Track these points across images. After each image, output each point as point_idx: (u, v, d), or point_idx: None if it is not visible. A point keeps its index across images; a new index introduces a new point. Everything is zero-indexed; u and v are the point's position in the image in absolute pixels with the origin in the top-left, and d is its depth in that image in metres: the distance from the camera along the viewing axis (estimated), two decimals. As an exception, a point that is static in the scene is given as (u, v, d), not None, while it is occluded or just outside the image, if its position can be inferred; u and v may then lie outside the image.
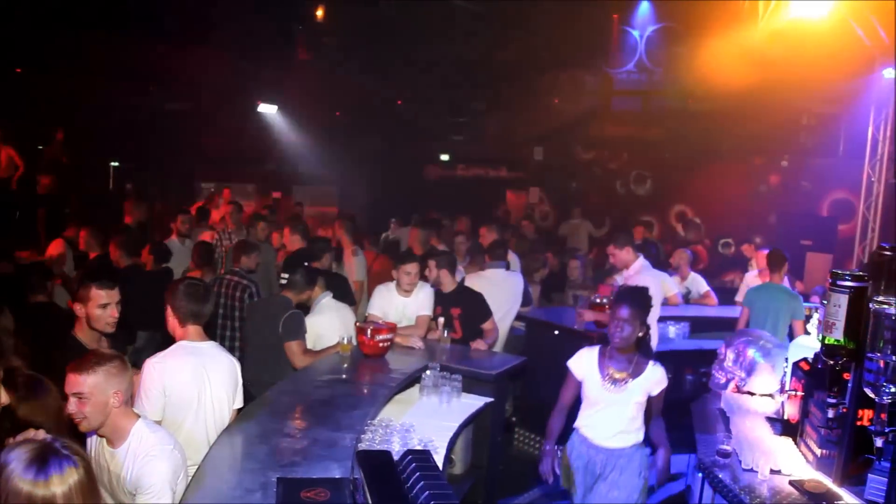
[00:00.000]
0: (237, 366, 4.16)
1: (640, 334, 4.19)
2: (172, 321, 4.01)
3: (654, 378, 4.25)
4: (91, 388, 3.07)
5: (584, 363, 4.35)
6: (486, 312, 6.27)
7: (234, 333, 6.45)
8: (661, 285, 7.01)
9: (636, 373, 4.23)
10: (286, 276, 5.74)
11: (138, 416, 3.27)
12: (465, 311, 6.20)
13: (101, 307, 4.07)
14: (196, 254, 7.72)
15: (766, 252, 10.46)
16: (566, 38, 13.75)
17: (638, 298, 4.22)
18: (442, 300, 6.29)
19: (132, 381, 3.30)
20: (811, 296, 8.49)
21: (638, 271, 6.69)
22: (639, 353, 4.27)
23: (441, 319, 5.99)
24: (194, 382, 3.86)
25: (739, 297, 9.01)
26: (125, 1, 12.12)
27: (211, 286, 6.49)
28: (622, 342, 4.18)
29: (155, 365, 3.78)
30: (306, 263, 5.99)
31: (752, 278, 9.09)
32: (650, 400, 4.27)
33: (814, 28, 8.04)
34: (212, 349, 4.05)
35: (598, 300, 6.96)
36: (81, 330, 4.12)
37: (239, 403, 4.11)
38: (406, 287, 6.11)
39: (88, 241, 7.84)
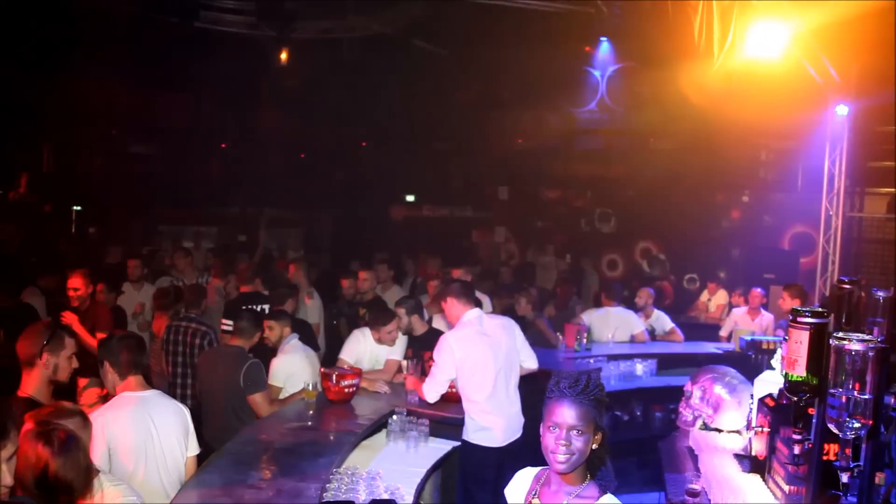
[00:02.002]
0: (186, 412, 4.06)
1: (595, 446, 2.56)
2: (112, 377, 3.91)
3: None
4: None
5: (515, 492, 2.82)
6: None
7: (193, 381, 6.29)
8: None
9: None
10: (230, 323, 5.66)
11: (98, 472, 3.17)
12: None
13: (69, 357, 3.97)
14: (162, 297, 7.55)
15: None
16: (528, 78, 13.93)
17: (593, 388, 2.55)
18: (413, 343, 6.23)
19: (90, 439, 3.18)
20: (776, 329, 8.59)
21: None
22: (593, 480, 2.59)
23: (406, 362, 5.93)
24: (140, 432, 3.77)
25: (724, 333, 9.10)
26: (87, 45, 12.06)
27: (168, 333, 6.43)
28: (568, 465, 2.51)
29: (97, 418, 3.66)
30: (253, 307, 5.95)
31: (739, 314, 9.19)
32: None
33: (768, 67, 8.22)
34: (156, 397, 3.97)
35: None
36: (33, 386, 3.90)
37: (194, 450, 4.02)
38: (389, 344, 6.08)
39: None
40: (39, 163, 13.27)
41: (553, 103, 15.10)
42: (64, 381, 3.98)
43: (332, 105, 14.87)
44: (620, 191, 16.29)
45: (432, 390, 5.23)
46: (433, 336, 6.23)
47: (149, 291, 8.45)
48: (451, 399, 5.38)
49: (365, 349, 6.12)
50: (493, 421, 5.12)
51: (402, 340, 6.22)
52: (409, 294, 8.95)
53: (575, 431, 2.47)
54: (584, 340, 8.00)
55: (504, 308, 8.56)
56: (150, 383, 4.09)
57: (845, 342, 2.83)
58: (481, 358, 5.16)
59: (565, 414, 2.49)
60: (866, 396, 2.82)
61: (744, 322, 8.99)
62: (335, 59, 13.80)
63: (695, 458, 4.59)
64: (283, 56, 12.83)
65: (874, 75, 9.81)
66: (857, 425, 2.83)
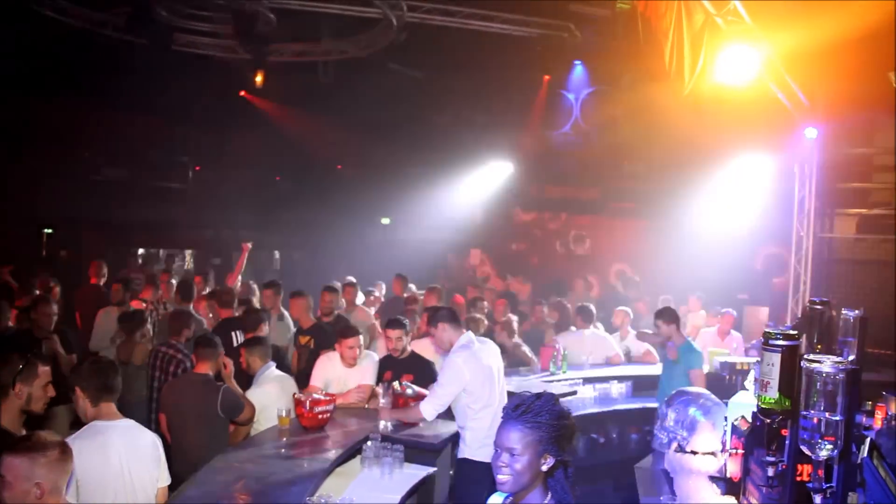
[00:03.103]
0: (158, 442, 4.00)
1: (544, 468, 2.56)
2: (83, 403, 3.84)
3: None
4: (13, 473, 2.90)
5: None
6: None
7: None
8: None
9: None
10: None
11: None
12: (417, 377, 6.07)
13: (44, 386, 3.89)
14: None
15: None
16: (503, 101, 14.02)
17: (536, 412, 2.55)
18: (394, 366, 6.21)
19: (69, 471, 3.08)
20: (749, 350, 8.64)
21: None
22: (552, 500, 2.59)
23: (380, 388, 5.87)
24: (109, 463, 3.70)
25: None
26: (60, 67, 12.00)
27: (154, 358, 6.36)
28: (508, 485, 2.59)
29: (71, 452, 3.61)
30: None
31: (708, 336, 9.23)
32: None
33: (738, 90, 8.34)
34: (127, 426, 3.90)
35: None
36: (5, 415, 3.81)
37: (165, 481, 3.96)
38: (350, 361, 6.05)
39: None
40: (8, 186, 13.10)
41: (528, 126, 15.20)
42: (39, 411, 3.91)
43: (306, 128, 14.87)
44: (595, 213, 16.38)
45: (434, 409, 5.37)
46: (415, 360, 6.23)
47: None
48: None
49: (333, 373, 6.09)
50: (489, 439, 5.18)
51: (371, 365, 6.19)
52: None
53: (511, 453, 2.54)
54: (560, 363, 8.00)
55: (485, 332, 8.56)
56: (121, 411, 4.01)
57: (816, 364, 2.85)
58: (486, 377, 5.38)
59: (503, 436, 2.58)
60: (837, 418, 2.84)
61: (714, 343, 9.04)
62: (310, 83, 13.82)
63: (670, 481, 4.59)
64: (259, 79, 12.83)
65: (842, 99, 9.98)
66: (829, 446, 2.85)
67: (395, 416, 5.56)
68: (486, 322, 8.32)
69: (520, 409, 2.55)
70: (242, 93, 14.65)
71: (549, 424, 2.53)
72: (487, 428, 5.24)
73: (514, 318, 8.87)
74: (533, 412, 2.53)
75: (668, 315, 7.11)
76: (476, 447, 5.29)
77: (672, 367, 7.00)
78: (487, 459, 5.05)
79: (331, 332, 7.09)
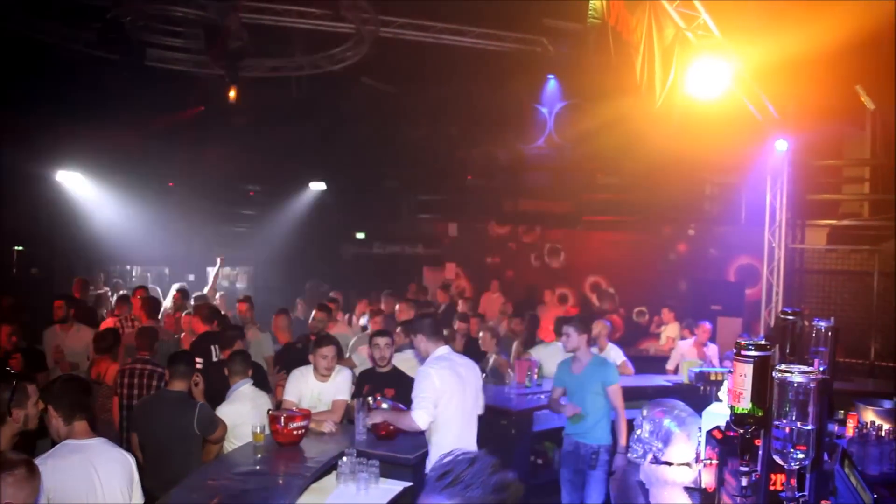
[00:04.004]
0: (131, 460, 3.95)
1: None
2: (56, 422, 3.78)
3: None
4: None
5: None
6: None
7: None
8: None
9: None
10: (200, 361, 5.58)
11: None
12: (398, 392, 6.00)
13: (35, 403, 3.83)
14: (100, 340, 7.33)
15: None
16: (476, 115, 14.09)
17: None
18: (374, 380, 6.19)
19: (37, 489, 3.04)
20: (723, 360, 8.71)
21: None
22: None
23: (356, 402, 5.83)
24: (81, 482, 3.64)
25: (671, 366, 9.19)
26: (32, 81, 11.88)
27: (122, 377, 6.28)
28: None
29: (38, 466, 3.55)
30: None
31: (686, 347, 9.29)
32: None
33: (709, 103, 8.44)
34: (100, 445, 3.84)
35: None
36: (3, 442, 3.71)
37: (138, 500, 3.90)
38: (324, 371, 6.00)
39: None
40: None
41: (502, 140, 15.27)
42: (34, 428, 3.85)
43: (279, 143, 14.83)
44: (569, 226, 16.47)
45: (425, 415, 5.14)
46: (395, 374, 6.22)
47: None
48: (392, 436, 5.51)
49: (306, 387, 6.04)
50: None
51: (345, 380, 6.16)
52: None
53: None
54: (535, 376, 8.00)
55: (466, 342, 8.57)
56: (94, 429, 3.96)
57: (787, 375, 2.87)
58: (456, 392, 5.23)
59: None
60: (809, 427, 2.86)
61: (690, 354, 9.11)
62: (284, 97, 13.79)
63: (646, 492, 4.59)
64: (232, 94, 12.78)
65: (811, 111, 10.15)
66: (800, 456, 2.87)
67: (386, 418, 5.47)
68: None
69: (446, 478, 1.93)
70: (214, 110, 14.60)
71: (480, 503, 1.91)
72: (450, 445, 5.16)
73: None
74: (462, 484, 1.93)
75: (581, 324, 6.29)
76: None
77: (576, 382, 6.24)
78: None
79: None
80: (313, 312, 8.38)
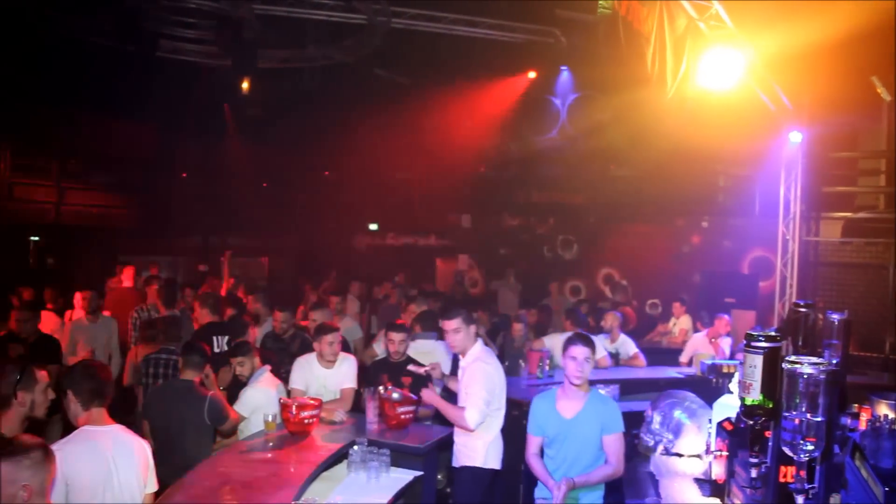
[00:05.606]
0: (147, 448, 4.00)
1: None
2: (74, 407, 3.82)
3: None
4: None
5: None
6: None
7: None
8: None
9: None
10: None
11: None
12: (413, 382, 6.03)
13: (44, 391, 3.87)
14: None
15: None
16: (489, 106, 14.06)
17: None
18: (390, 369, 6.20)
19: (53, 473, 3.11)
20: (735, 353, 8.68)
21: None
22: None
23: (366, 392, 5.85)
24: (98, 469, 3.68)
25: (684, 358, 9.17)
26: (47, 74, 11.95)
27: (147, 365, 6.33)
28: None
29: (56, 452, 3.59)
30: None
31: (699, 340, 9.27)
32: None
33: (722, 95, 8.37)
34: (117, 432, 3.88)
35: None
36: (7, 424, 3.74)
37: (152, 487, 3.94)
38: (329, 358, 6.03)
39: None
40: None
41: (515, 131, 15.24)
42: (41, 417, 3.89)
43: (293, 134, 14.86)
44: (582, 218, 16.44)
45: (479, 416, 5.11)
46: (410, 363, 6.19)
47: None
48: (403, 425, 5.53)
49: (312, 375, 6.06)
50: (501, 445, 5.31)
51: (351, 368, 6.18)
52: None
53: None
54: (547, 367, 8.00)
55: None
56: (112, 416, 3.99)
57: (797, 366, 2.86)
58: (503, 386, 5.33)
59: None
60: (819, 419, 2.85)
61: (704, 347, 9.08)
62: (296, 89, 13.81)
63: (656, 484, 4.59)
64: (245, 85, 12.82)
65: (826, 103, 10.04)
66: (810, 447, 2.86)
67: (438, 405, 5.40)
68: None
69: None
70: (227, 101, 14.64)
71: None
72: (498, 439, 5.28)
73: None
74: None
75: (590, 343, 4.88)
76: (493, 456, 5.28)
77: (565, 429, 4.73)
78: (497, 466, 5.11)
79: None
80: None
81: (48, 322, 8.23)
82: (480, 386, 5.13)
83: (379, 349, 7.82)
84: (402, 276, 13.67)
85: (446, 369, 6.92)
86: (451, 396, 5.68)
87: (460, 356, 5.44)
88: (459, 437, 5.34)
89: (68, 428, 3.96)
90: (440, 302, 10.02)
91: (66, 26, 11.34)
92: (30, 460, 2.96)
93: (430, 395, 5.42)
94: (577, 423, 4.62)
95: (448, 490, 7.39)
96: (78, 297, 8.56)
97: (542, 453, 4.72)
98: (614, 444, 4.62)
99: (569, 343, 4.71)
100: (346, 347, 6.77)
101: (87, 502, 3.62)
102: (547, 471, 4.58)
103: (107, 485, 3.70)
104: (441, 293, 11.64)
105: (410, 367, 5.73)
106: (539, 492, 4.70)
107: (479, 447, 5.24)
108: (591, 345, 4.68)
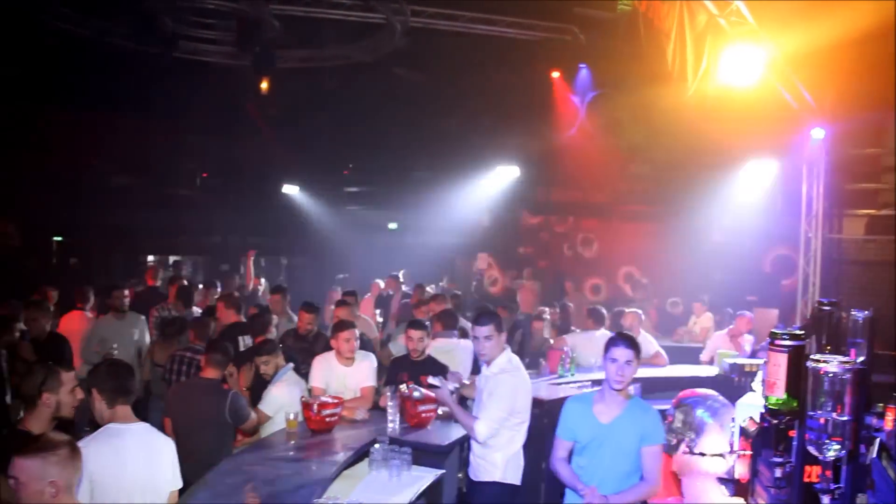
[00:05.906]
0: (171, 445, 4.01)
1: None
2: (99, 405, 3.85)
3: None
4: (26, 474, 2.94)
5: None
6: None
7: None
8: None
9: None
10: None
11: None
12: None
13: (71, 391, 3.91)
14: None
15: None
16: (508, 104, 14.02)
17: None
18: (410, 367, 6.18)
19: (79, 470, 3.14)
20: (758, 352, 8.61)
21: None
22: None
23: (387, 390, 5.85)
24: (123, 466, 3.71)
25: (706, 357, 9.12)
26: (67, 76, 12.05)
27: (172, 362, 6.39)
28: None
29: (81, 449, 3.62)
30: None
31: (721, 338, 9.22)
32: None
33: (744, 91, 8.31)
34: (142, 430, 3.91)
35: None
36: (35, 422, 3.83)
37: (178, 484, 3.97)
38: (347, 355, 6.04)
39: None
40: (17, 195, 13.16)
41: (534, 129, 15.19)
42: (69, 416, 3.93)
43: (313, 133, 14.90)
44: (602, 216, 16.37)
45: (489, 430, 4.82)
46: (431, 362, 6.20)
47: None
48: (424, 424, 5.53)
49: (331, 373, 6.07)
50: (522, 461, 5.05)
51: (370, 366, 6.20)
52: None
53: None
54: (568, 365, 7.98)
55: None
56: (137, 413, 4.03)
57: (822, 364, 2.84)
58: (528, 399, 5.07)
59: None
60: (845, 418, 2.83)
61: (725, 344, 9.03)
62: (316, 88, 13.85)
63: (678, 483, 4.57)
64: (264, 85, 12.87)
65: (849, 99, 9.94)
66: (836, 447, 2.84)
67: (452, 409, 5.16)
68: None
69: None
70: (248, 99, 14.70)
71: None
72: (520, 454, 4.98)
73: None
74: None
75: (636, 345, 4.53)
76: (514, 469, 4.97)
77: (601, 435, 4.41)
78: (518, 482, 4.99)
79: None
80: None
81: (75, 321, 8.29)
82: (501, 402, 4.85)
83: (394, 348, 7.84)
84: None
85: (467, 369, 6.95)
86: (462, 402, 5.56)
87: (485, 364, 5.07)
88: (478, 449, 4.99)
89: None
90: (458, 300, 10.04)
91: (85, 27, 11.41)
92: (57, 457, 2.99)
93: (444, 396, 5.22)
94: (613, 429, 4.30)
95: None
96: (112, 295, 8.55)
97: (568, 459, 4.44)
98: (653, 457, 4.30)
99: (610, 344, 4.38)
100: (365, 346, 6.77)
101: (112, 499, 3.66)
102: (576, 475, 4.29)
103: (132, 482, 3.74)
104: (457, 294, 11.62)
105: (431, 380, 5.48)
106: (569, 498, 4.40)
107: (497, 460, 4.93)
108: (634, 346, 4.38)
